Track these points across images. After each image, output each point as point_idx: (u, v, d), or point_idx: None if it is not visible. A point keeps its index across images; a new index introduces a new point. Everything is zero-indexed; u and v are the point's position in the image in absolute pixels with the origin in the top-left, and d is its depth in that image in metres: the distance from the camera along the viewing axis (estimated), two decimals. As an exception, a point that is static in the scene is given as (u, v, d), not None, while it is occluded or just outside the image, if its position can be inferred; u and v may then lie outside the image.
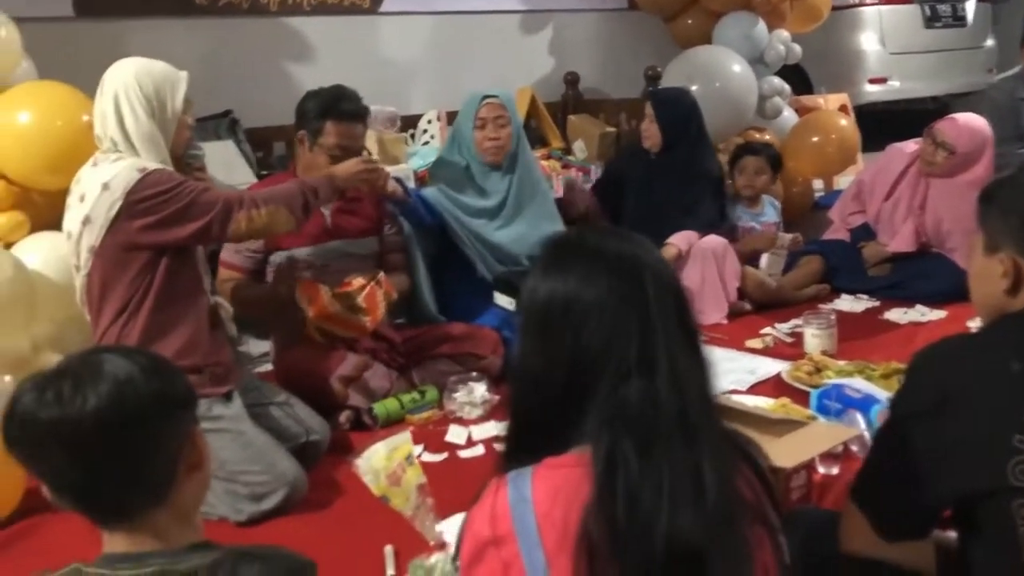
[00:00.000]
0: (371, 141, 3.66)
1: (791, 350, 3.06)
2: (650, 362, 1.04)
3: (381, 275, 2.70)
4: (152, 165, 2.18)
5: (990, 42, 6.36)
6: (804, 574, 1.46)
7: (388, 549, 1.92)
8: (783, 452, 1.80)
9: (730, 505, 1.03)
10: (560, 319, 1.08)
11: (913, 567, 1.42)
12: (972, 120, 3.59)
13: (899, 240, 3.65)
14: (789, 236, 3.76)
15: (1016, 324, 1.32)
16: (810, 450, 1.83)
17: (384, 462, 1.57)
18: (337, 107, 2.75)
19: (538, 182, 3.35)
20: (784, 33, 4.52)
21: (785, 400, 2.50)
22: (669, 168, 3.58)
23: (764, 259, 3.66)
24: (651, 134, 3.59)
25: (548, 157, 4.18)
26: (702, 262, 3.44)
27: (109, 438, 1.00)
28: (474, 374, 2.79)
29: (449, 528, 1.70)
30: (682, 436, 1.04)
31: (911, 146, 3.73)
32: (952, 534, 1.41)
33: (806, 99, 4.87)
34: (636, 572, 0.98)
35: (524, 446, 1.11)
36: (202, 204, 2.19)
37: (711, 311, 3.42)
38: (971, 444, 1.24)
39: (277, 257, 2.77)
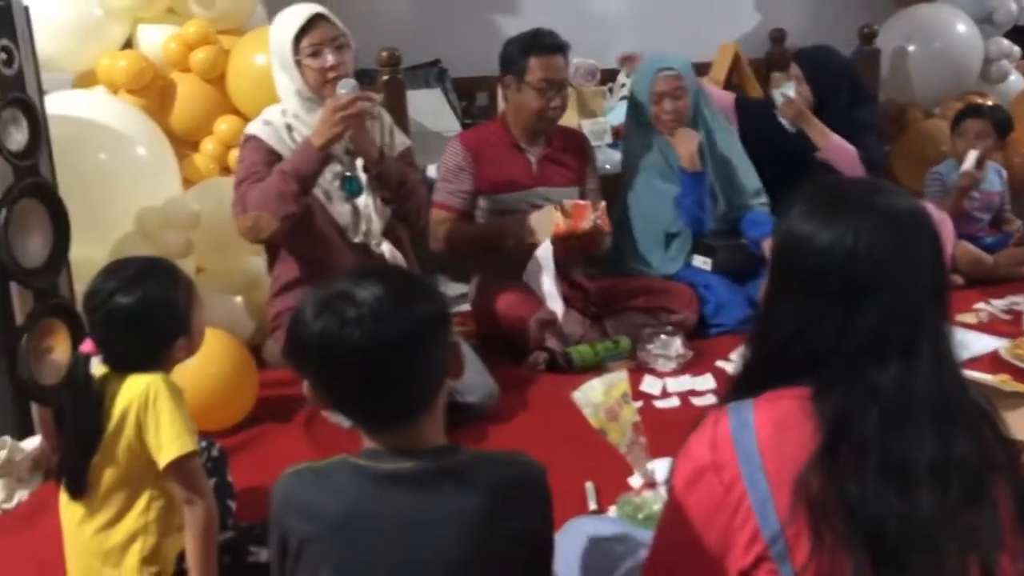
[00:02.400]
0: (571, 95, 3.69)
1: (1009, 328, 2.90)
2: (915, 343, 1.00)
3: (602, 205, 2.76)
4: (257, 127, 2.37)
5: None
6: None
7: (590, 485, 1.98)
8: (1016, 425, 1.70)
9: (977, 489, 0.99)
10: (835, 276, 1.02)
11: None
12: None
13: None
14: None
15: None
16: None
17: (602, 397, 1.61)
18: (537, 43, 2.84)
19: (725, 132, 3.31)
20: (1018, -11, 4.18)
21: (1005, 376, 2.38)
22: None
23: (968, 159, 3.46)
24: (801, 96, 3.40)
25: (748, 114, 4.07)
26: None
27: (393, 356, 1.06)
28: (669, 328, 2.80)
29: (660, 467, 1.72)
30: (935, 418, 1.00)
31: None
32: None
33: (1037, 63, 4.49)
34: (859, 541, 0.96)
35: (755, 382, 1.10)
36: (237, 188, 2.33)
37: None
38: None
39: (485, 201, 2.85)
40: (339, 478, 1.11)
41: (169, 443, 1.49)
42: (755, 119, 3.48)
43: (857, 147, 3.31)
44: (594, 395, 1.62)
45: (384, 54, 3.12)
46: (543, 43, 2.84)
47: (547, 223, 2.72)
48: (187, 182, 2.87)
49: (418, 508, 1.09)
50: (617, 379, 1.65)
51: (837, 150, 3.29)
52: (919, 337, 1.01)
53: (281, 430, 2.36)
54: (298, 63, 2.32)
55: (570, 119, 3.52)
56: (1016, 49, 4.21)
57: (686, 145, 3.14)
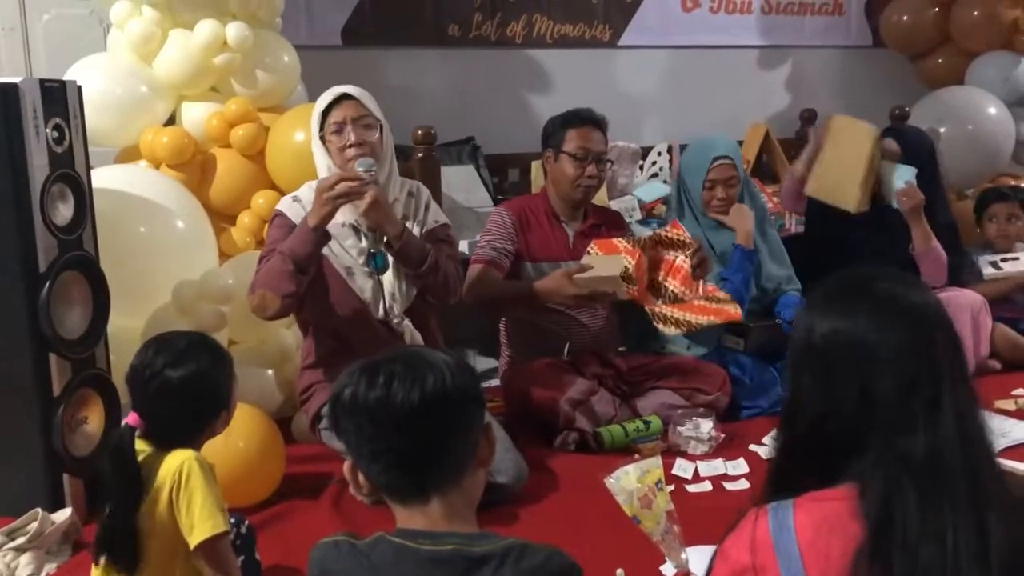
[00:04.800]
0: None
1: (1049, 414, 2.83)
2: (937, 414, 1.02)
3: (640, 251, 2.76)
4: (286, 204, 2.45)
5: None
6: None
7: (620, 573, 1.94)
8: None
9: (1019, 564, 0.98)
10: (845, 360, 1.07)
11: None
12: None
13: None
14: None
15: None
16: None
17: (636, 484, 1.59)
18: (576, 116, 2.97)
19: (763, 215, 3.34)
20: (1049, 74, 4.21)
21: (1046, 467, 2.31)
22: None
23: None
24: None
25: (779, 194, 4.09)
26: (953, 314, 3.21)
27: (429, 420, 1.10)
28: (700, 409, 2.77)
29: (693, 556, 1.69)
30: (968, 491, 1.00)
31: None
32: None
33: (1069, 145, 4.49)
34: None
35: (789, 480, 1.10)
36: (258, 265, 2.38)
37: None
38: None
39: (533, 270, 2.89)
40: (376, 556, 1.11)
41: (201, 523, 1.49)
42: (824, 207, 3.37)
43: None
44: (628, 482, 1.60)
45: (419, 132, 3.18)
46: (581, 116, 2.97)
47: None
48: (224, 255, 2.91)
49: None
50: (651, 465, 1.63)
51: (935, 257, 3.24)
52: (942, 406, 1.02)
53: (309, 507, 2.35)
54: (323, 139, 2.40)
55: (600, 197, 3.55)
56: (1050, 132, 4.22)
57: (743, 223, 3.16)
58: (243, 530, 1.85)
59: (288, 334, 2.79)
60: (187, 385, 1.56)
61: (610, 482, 1.64)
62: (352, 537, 1.15)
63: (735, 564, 1.05)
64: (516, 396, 2.84)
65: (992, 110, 4.01)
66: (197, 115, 2.96)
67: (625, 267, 2.64)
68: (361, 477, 1.17)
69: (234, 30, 2.86)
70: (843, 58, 4.61)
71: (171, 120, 3.04)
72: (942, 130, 3.97)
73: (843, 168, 3.21)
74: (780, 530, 1.03)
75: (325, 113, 2.39)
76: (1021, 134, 4.12)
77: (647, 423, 2.75)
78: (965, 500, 1.00)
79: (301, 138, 2.84)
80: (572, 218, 2.99)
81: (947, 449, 1.01)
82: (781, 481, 1.12)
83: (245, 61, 2.95)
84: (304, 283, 2.29)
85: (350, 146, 2.34)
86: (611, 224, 3.02)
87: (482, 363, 3.45)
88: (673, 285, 2.79)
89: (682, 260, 2.79)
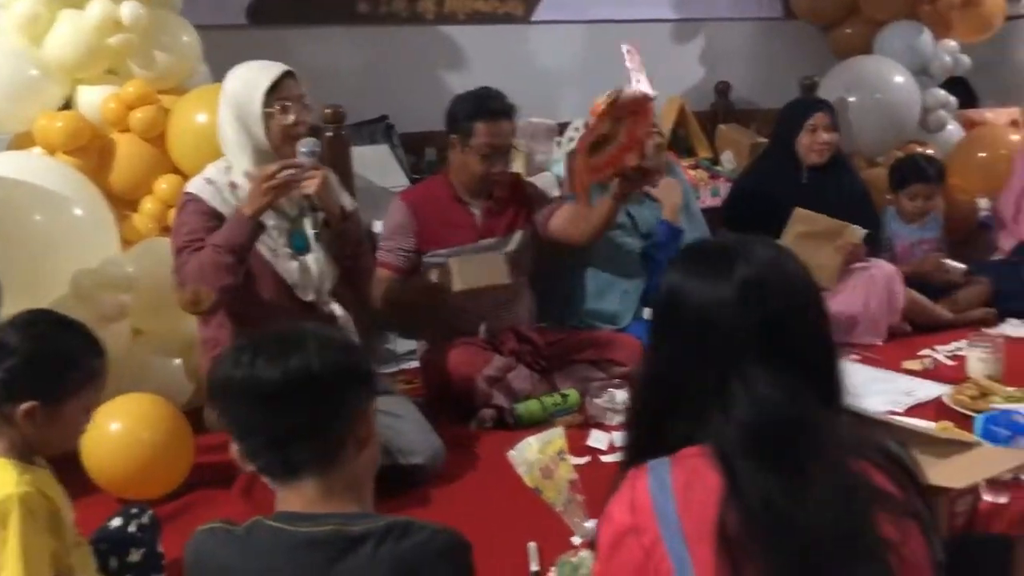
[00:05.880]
0: (518, 154, 3.72)
1: (952, 373, 2.91)
2: (757, 380, 1.06)
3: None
4: (198, 186, 2.33)
5: None
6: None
7: (532, 545, 1.94)
8: (950, 473, 1.71)
9: (857, 504, 1.01)
10: (678, 318, 1.12)
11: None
12: None
13: None
14: (960, 267, 3.57)
15: None
16: (979, 472, 1.73)
17: (537, 455, 1.58)
18: (484, 107, 2.82)
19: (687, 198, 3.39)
20: (951, 43, 4.31)
21: (947, 423, 2.38)
22: (824, 189, 3.45)
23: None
24: (828, 147, 3.44)
25: (696, 167, 4.14)
26: (869, 287, 3.33)
27: (293, 398, 1.09)
28: (616, 380, 2.79)
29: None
30: (806, 443, 1.04)
31: None
32: None
33: (973, 113, 4.62)
34: (776, 567, 0.98)
35: (645, 442, 1.13)
36: (177, 256, 2.28)
37: (870, 333, 3.32)
38: None
39: (431, 258, 2.84)
40: (253, 540, 1.09)
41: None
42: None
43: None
44: (529, 453, 1.59)
45: (328, 111, 3.12)
46: (489, 108, 2.82)
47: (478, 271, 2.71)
48: (126, 243, 2.82)
49: (331, 575, 1.05)
50: (553, 436, 1.62)
51: None
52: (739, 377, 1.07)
53: (219, 497, 2.29)
54: (268, 116, 2.30)
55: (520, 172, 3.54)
56: (952, 99, 4.32)
57: (671, 197, 3.18)
58: (145, 520, 1.81)
59: (196, 322, 2.72)
60: None
61: (512, 454, 1.64)
62: (228, 523, 1.12)
63: (617, 526, 1.05)
64: (434, 377, 2.83)
65: (898, 79, 4.09)
66: (93, 99, 2.86)
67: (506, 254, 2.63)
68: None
69: (128, 9, 2.75)
70: (755, 30, 4.65)
71: (67, 105, 2.93)
72: (851, 99, 4.03)
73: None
74: (659, 488, 1.04)
75: (269, 90, 2.30)
76: (926, 102, 4.21)
77: (564, 396, 2.75)
78: (806, 452, 1.03)
79: (204, 120, 2.76)
80: (477, 197, 2.93)
81: (776, 407, 1.05)
82: (637, 444, 1.16)
83: (142, 41, 2.85)
84: (242, 274, 2.24)
85: (296, 123, 2.30)
86: (518, 195, 2.99)
87: (402, 345, 3.42)
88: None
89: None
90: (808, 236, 3.26)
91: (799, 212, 3.29)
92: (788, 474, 1.03)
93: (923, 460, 1.74)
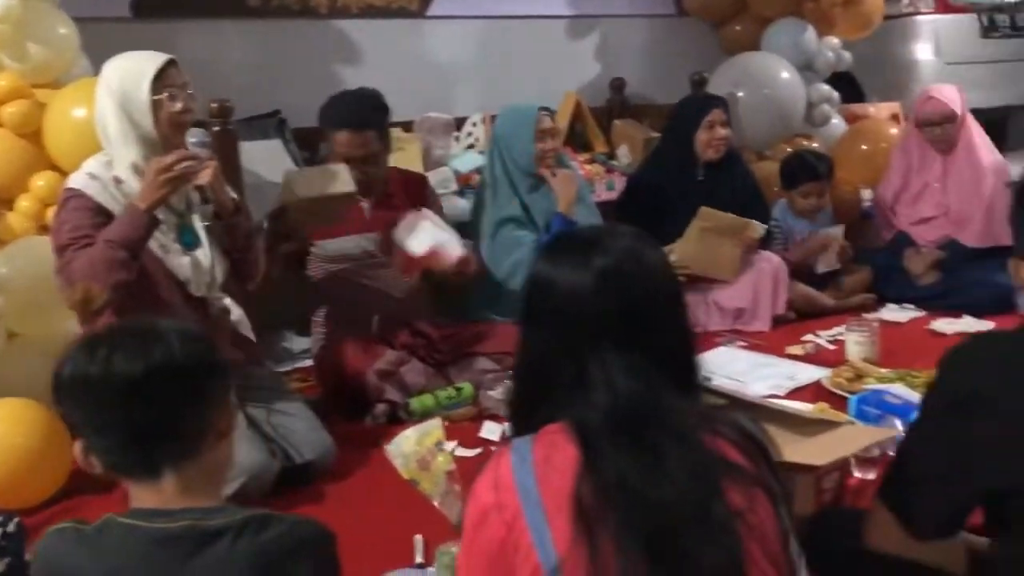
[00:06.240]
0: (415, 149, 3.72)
1: (833, 357, 3.03)
2: (613, 365, 1.11)
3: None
4: (81, 181, 2.23)
5: (1050, 53, 6.22)
6: (832, 571, 1.47)
7: (418, 538, 1.95)
8: (815, 451, 1.78)
9: (706, 476, 1.06)
10: (542, 306, 1.16)
11: (940, 567, 1.40)
12: (944, 86, 3.76)
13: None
14: (836, 229, 3.71)
15: (1050, 321, 1.30)
16: (843, 449, 1.81)
17: (414, 447, 1.59)
18: (344, 117, 2.79)
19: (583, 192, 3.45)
20: (834, 40, 4.47)
21: (823, 405, 2.47)
22: (718, 184, 3.55)
23: (820, 263, 3.66)
24: (723, 143, 3.54)
25: (592, 161, 4.20)
26: (757, 278, 3.45)
27: (155, 392, 1.07)
28: (510, 372, 2.80)
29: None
30: (645, 425, 1.09)
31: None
32: (981, 537, 1.39)
33: (856, 107, 4.80)
34: (629, 537, 1.02)
35: (520, 427, 1.18)
36: (61, 254, 2.19)
37: (757, 321, 3.44)
38: (1000, 442, 1.22)
39: (319, 249, 2.81)
40: (104, 540, 1.07)
41: None
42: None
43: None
44: (406, 445, 1.60)
45: (215, 105, 3.06)
46: (347, 120, 2.79)
47: None
48: (2, 242, 2.71)
49: (186, 572, 1.04)
50: (431, 427, 1.63)
51: None
52: (606, 353, 1.12)
53: (99, 501, 2.23)
54: (156, 104, 2.23)
55: (415, 167, 3.53)
56: (836, 95, 4.49)
57: (567, 190, 3.21)
58: (11, 528, 1.74)
59: (79, 323, 2.63)
60: None
61: (389, 448, 1.64)
62: (79, 523, 1.10)
63: (480, 504, 1.08)
64: (328, 373, 2.81)
65: (785, 74, 4.22)
66: (-38, 94, 2.74)
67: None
68: (93, 457, 1.12)
69: (-2, -1, 2.65)
70: (649, 27, 4.74)
71: (-64, 100, 2.79)
72: (740, 94, 4.15)
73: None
74: (520, 463, 1.07)
75: (155, 77, 2.23)
76: (812, 97, 4.36)
77: (459, 390, 2.77)
78: (660, 432, 1.08)
79: (83, 114, 2.67)
80: (363, 193, 2.89)
81: (631, 391, 1.10)
82: (517, 421, 1.20)
83: (14, 33, 2.73)
84: (135, 270, 2.16)
85: (184, 111, 2.24)
86: (413, 191, 2.99)
87: (299, 343, 3.38)
88: None
89: None
90: (711, 231, 3.38)
91: (704, 210, 3.39)
92: (642, 454, 1.06)
93: (792, 440, 1.82)
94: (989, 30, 5.89)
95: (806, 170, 3.77)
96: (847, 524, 1.49)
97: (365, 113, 2.81)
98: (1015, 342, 1.33)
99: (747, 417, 1.19)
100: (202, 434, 1.11)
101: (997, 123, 5.04)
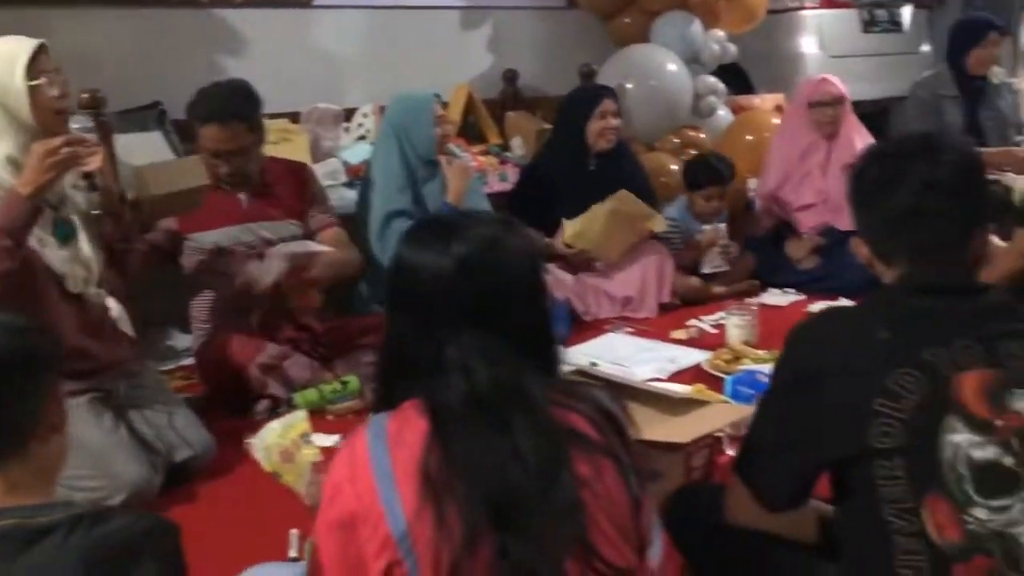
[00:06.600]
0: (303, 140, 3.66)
1: (714, 340, 3.12)
2: (465, 347, 1.14)
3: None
4: None
5: (926, 47, 6.50)
6: (693, 544, 1.51)
7: (294, 532, 1.92)
8: (683, 429, 1.82)
9: (554, 447, 1.09)
10: (404, 289, 1.18)
11: (795, 537, 1.45)
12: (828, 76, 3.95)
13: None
14: (714, 228, 3.81)
15: (885, 295, 1.36)
16: (706, 426, 1.86)
17: (277, 439, 1.56)
18: (208, 111, 2.71)
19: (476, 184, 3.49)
20: (719, 33, 4.58)
21: (701, 386, 2.54)
22: (609, 174, 3.58)
23: (705, 263, 3.75)
24: (615, 133, 3.59)
25: (486, 153, 4.20)
26: (643, 267, 3.53)
27: None
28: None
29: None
30: (498, 405, 1.11)
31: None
32: (830, 505, 1.44)
33: (741, 99, 4.93)
34: (474, 506, 1.04)
35: (384, 397, 1.20)
36: None
37: (644, 308, 3.52)
38: (839, 411, 1.27)
39: (194, 242, 2.74)
40: None
41: None
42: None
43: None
44: (271, 437, 1.57)
45: (85, 96, 2.95)
46: (213, 114, 2.69)
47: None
48: None
49: (15, 570, 1.00)
50: (296, 419, 1.60)
51: None
52: (460, 335, 1.14)
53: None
54: (32, 90, 2.12)
55: (304, 159, 3.47)
56: (722, 86, 4.60)
57: (459, 180, 3.20)
58: None
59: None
60: None
61: (252, 441, 1.61)
62: None
63: (335, 479, 1.11)
64: (210, 370, 2.75)
65: (672, 66, 4.31)
66: None
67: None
68: None
69: None
70: (540, 19, 4.77)
71: None
72: (629, 86, 4.21)
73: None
74: (375, 437, 1.10)
75: (29, 63, 2.13)
76: (698, 89, 4.46)
77: (344, 383, 2.74)
78: (512, 411, 1.10)
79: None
80: (238, 184, 2.83)
81: (486, 374, 1.12)
82: (379, 398, 1.23)
83: None
84: (19, 259, 2.05)
85: (62, 97, 2.16)
86: (293, 180, 2.93)
87: (183, 340, 3.28)
88: None
89: None
90: (620, 214, 3.43)
91: (624, 193, 3.45)
92: (492, 430, 1.09)
93: (662, 419, 1.86)
94: (870, 25, 6.13)
95: (710, 174, 3.84)
96: (708, 500, 1.53)
97: (232, 106, 2.72)
98: (855, 316, 1.39)
99: (607, 394, 1.22)
100: (28, 429, 1.07)
101: (878, 115, 5.25)
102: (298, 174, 3.00)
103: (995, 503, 1.18)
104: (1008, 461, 1.20)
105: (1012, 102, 4.23)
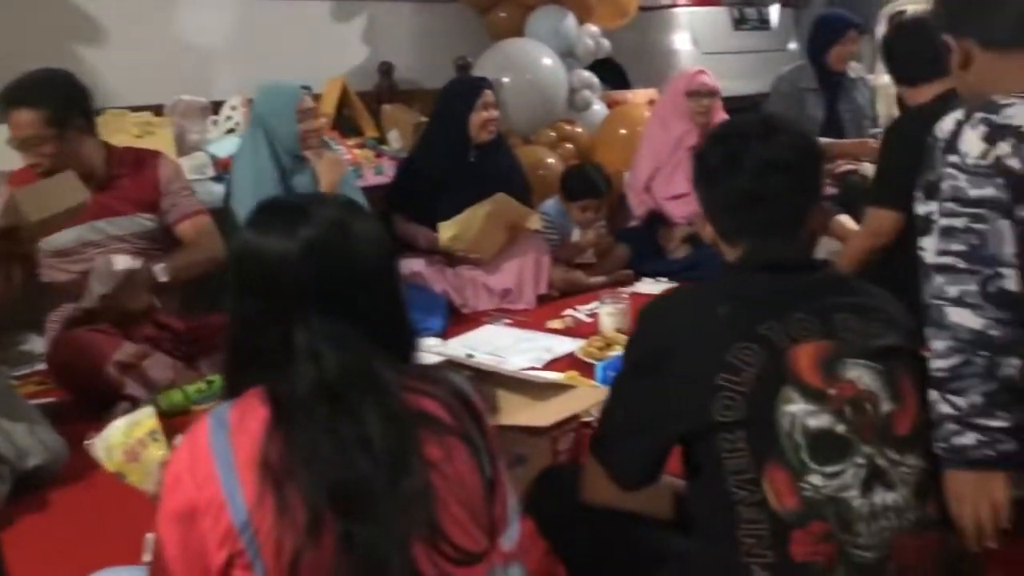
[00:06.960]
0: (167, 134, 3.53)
1: (589, 329, 3.16)
2: (303, 330, 1.11)
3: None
4: None
5: (793, 45, 6.76)
6: (553, 526, 1.52)
7: (149, 536, 1.84)
8: (546, 413, 1.84)
9: (403, 430, 1.08)
10: (247, 274, 1.15)
11: (652, 513, 1.48)
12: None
13: None
14: (600, 231, 3.86)
15: (727, 273, 1.40)
16: (569, 409, 1.88)
17: (121, 438, 1.49)
18: (3, 96, 2.56)
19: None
20: (593, 28, 4.65)
21: (574, 373, 2.57)
22: (488, 166, 3.60)
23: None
24: (495, 124, 3.61)
25: (362, 146, 4.14)
26: (522, 261, 3.56)
27: None
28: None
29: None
30: (344, 391, 1.09)
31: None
32: (682, 480, 1.47)
33: (616, 94, 5.02)
34: (316, 492, 1.02)
35: (231, 386, 1.17)
36: None
37: (522, 300, 3.56)
38: (685, 387, 1.29)
39: (44, 244, 2.60)
40: None
41: None
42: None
43: None
44: (114, 436, 1.50)
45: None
46: (3, 100, 2.55)
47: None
48: None
49: None
50: (142, 417, 1.54)
51: None
52: (305, 325, 1.11)
53: None
54: None
55: (170, 152, 3.35)
56: (596, 80, 4.67)
57: (331, 174, 3.13)
58: None
59: None
60: None
61: (93, 441, 1.53)
62: None
63: (175, 470, 1.08)
64: (62, 372, 2.62)
65: (547, 60, 4.35)
66: None
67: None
68: None
69: None
70: (417, 11, 4.74)
71: None
72: (505, 80, 4.23)
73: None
74: (217, 426, 1.07)
75: None
76: (573, 83, 4.51)
77: (210, 383, 2.65)
78: (360, 397, 1.09)
79: None
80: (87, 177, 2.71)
81: (334, 359, 1.10)
82: (227, 386, 1.19)
83: None
84: None
85: None
86: (143, 171, 2.80)
87: (39, 345, 3.10)
88: None
89: None
90: (496, 216, 3.45)
91: (501, 196, 3.46)
92: (338, 418, 1.07)
93: (527, 405, 1.87)
94: (740, 23, 6.34)
95: (587, 187, 3.88)
96: (569, 481, 1.54)
97: (21, 94, 2.55)
98: (699, 294, 1.42)
99: (463, 378, 1.21)
100: None
101: (748, 110, 5.42)
102: (147, 162, 2.84)
103: (828, 469, 1.23)
104: (840, 428, 1.24)
105: (868, 97, 4.44)
